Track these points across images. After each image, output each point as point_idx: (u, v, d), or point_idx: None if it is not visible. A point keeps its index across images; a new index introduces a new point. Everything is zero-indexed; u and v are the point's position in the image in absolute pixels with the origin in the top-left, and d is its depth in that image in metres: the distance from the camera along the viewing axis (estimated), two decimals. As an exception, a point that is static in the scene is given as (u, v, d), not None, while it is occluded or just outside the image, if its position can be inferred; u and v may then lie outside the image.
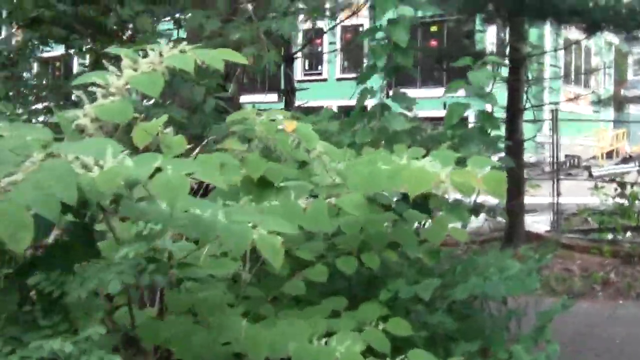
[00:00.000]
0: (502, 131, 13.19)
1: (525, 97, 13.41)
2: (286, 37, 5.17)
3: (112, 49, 2.45)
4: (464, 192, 2.68)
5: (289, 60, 14.02)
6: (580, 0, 11.04)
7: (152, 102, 5.15)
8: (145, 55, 2.43)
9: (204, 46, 2.72)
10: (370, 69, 5.75)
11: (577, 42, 15.21)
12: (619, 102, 19.07)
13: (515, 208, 12.80)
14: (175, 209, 2.01)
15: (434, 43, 27.80)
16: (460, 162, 2.98)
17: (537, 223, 14.56)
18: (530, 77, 14.05)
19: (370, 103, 5.66)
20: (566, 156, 31.46)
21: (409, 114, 5.98)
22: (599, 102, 15.57)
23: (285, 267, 3.60)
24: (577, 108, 29.14)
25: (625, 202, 13.21)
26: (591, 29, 11.51)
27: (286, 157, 3.24)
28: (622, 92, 37.16)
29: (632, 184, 13.46)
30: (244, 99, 16.15)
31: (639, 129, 39.55)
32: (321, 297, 3.64)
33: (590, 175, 24.57)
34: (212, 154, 2.80)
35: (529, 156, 13.63)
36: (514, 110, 12.92)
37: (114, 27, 6.21)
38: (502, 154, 6.76)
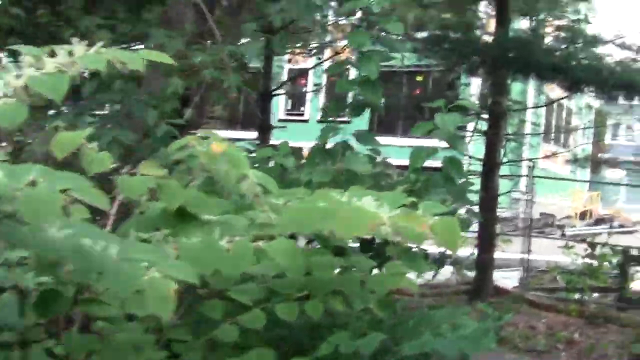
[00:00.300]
0: (477, 183, 13.17)
1: (503, 151, 13.29)
2: (249, 62, 4.87)
3: (17, 46, 2.18)
4: (410, 238, 2.41)
5: (267, 96, 13.81)
6: (563, 58, 10.96)
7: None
8: (53, 55, 2.18)
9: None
10: (335, 105, 5.53)
11: (559, 101, 15.11)
12: (595, 164, 19.07)
13: (485, 262, 12.65)
14: (44, 231, 1.74)
15: (417, 92, 27.75)
16: (413, 207, 2.74)
17: (506, 279, 14.36)
18: (509, 132, 13.93)
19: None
20: (541, 214, 31.46)
21: (378, 157, 5.76)
22: (575, 162, 15.48)
23: (219, 310, 3.34)
24: (554, 167, 29.20)
25: (594, 262, 13.04)
26: (572, 88, 11.41)
27: (229, 190, 2.97)
28: (600, 155, 37.32)
29: (602, 245, 13.30)
30: (225, 133, 15.89)
31: (613, 192, 39.83)
32: (262, 344, 3.36)
33: (563, 234, 24.56)
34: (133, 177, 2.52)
35: (502, 211, 13.41)
36: (491, 163, 12.78)
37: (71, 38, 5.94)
38: (475, 207, 6.49)
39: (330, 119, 5.53)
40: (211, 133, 2.79)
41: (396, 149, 21.73)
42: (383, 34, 5.24)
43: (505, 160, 13.37)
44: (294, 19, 12.35)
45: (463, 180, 5.20)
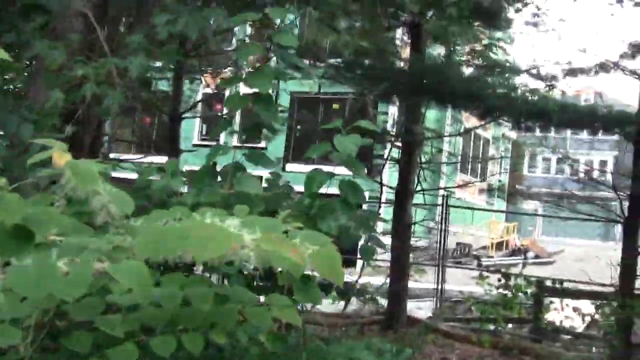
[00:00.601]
0: (390, 211, 12.99)
1: (416, 180, 13.14)
2: (133, 77, 4.47)
3: None
4: (282, 265, 2.09)
5: (176, 119, 13.37)
6: (477, 86, 10.83)
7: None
8: None
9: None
10: (224, 123, 5.18)
11: (474, 129, 15.04)
12: (511, 195, 19.12)
13: (397, 291, 12.44)
14: None
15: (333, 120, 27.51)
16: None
17: (420, 309, 14.17)
18: (423, 161, 13.79)
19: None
20: (457, 244, 31.59)
21: (280, 181, 5.45)
22: (490, 192, 15.43)
23: (87, 342, 2.98)
24: (470, 197, 29.35)
25: (508, 293, 12.93)
26: (486, 115, 11.29)
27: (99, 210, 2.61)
28: (516, 185, 37.78)
29: (517, 276, 13.20)
30: (136, 157, 15.46)
31: (530, 223, 40.28)
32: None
33: (480, 264, 24.58)
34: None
35: (416, 240, 13.22)
36: (404, 192, 12.62)
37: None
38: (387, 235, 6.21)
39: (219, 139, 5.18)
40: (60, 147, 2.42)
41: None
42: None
43: (418, 188, 13.19)
44: (203, 41, 12.06)
45: (364, 206, 4.92)
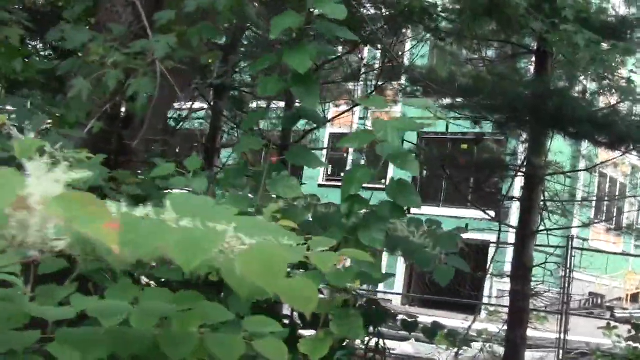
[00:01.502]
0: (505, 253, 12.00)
1: (540, 219, 12.10)
2: (159, 57, 3.75)
3: None
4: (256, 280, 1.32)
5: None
6: (606, 113, 9.80)
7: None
8: None
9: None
10: (258, 112, 4.42)
11: (603, 163, 13.77)
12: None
13: (515, 339, 11.39)
14: None
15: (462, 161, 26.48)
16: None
17: (540, 360, 13.04)
18: (549, 198, 12.73)
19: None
20: (590, 294, 29.79)
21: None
22: (621, 230, 14.12)
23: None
24: (605, 245, 27.61)
25: (639, 346, 11.64)
26: (615, 145, 10.18)
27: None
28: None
29: (649, 327, 11.88)
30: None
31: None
32: None
33: (613, 315, 22.90)
34: None
35: (536, 284, 12.12)
36: (524, 231, 11.60)
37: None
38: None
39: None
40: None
41: (436, 218, 20.55)
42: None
43: (541, 228, 12.14)
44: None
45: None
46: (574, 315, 13.37)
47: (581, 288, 27.90)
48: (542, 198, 12.24)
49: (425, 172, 26.75)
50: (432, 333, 5.52)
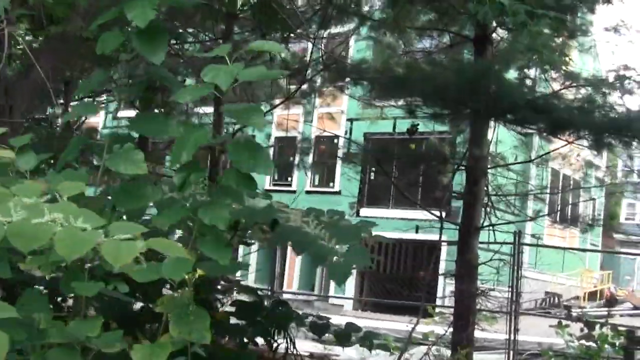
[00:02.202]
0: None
1: (483, 213, 11.48)
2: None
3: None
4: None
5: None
6: (545, 99, 9.19)
7: None
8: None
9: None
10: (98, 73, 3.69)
11: (549, 153, 13.11)
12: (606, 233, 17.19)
13: (461, 341, 10.75)
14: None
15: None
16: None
17: (490, 363, 12.41)
18: (492, 192, 12.11)
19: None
20: (546, 293, 29.38)
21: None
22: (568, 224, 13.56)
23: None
24: (561, 243, 27.19)
25: (592, 345, 11.05)
26: (554, 131, 9.58)
27: None
28: (613, 234, 35.45)
29: (602, 325, 11.29)
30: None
31: (626, 270, 37.60)
32: None
33: (570, 315, 22.37)
34: None
35: (482, 283, 11.47)
36: (468, 228, 11.00)
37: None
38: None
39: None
40: None
41: (385, 220, 19.83)
42: None
43: (486, 223, 11.51)
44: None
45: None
46: (526, 315, 12.74)
47: (537, 287, 27.49)
48: (486, 192, 11.65)
49: (372, 173, 26.09)
50: (344, 337, 4.82)
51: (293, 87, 15.88)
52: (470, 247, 11.07)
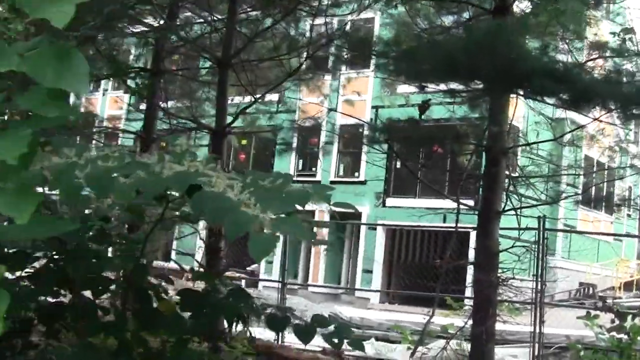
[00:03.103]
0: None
1: (505, 198, 10.65)
2: None
3: None
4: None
5: (220, 134, 11.26)
6: (566, 67, 8.35)
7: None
8: None
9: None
10: None
11: (576, 130, 12.15)
12: None
13: (481, 335, 9.94)
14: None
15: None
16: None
17: (514, 357, 11.56)
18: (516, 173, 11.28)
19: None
20: (580, 284, 28.34)
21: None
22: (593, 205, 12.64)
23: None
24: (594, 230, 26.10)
25: (624, 337, 10.20)
26: (577, 103, 8.70)
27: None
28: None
29: (634, 315, 10.42)
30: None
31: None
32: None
33: (602, 306, 21.39)
34: None
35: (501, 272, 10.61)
36: (487, 213, 10.18)
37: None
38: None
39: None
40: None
41: (412, 210, 18.96)
42: None
43: (507, 208, 10.68)
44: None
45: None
46: (552, 306, 11.86)
47: (570, 277, 26.52)
48: (508, 174, 10.83)
49: (398, 162, 25.23)
50: (306, 333, 4.05)
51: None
52: (489, 232, 10.27)
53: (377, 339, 15.65)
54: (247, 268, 29.03)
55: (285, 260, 14.27)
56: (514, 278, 10.22)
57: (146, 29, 13.57)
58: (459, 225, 11.70)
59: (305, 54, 11.70)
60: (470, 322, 10.39)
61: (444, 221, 20.65)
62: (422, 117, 10.01)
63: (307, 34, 12.63)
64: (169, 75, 14.79)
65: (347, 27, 12.10)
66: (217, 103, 11.68)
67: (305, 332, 4.00)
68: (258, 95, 12.52)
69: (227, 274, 22.35)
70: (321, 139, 25.18)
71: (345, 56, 12.42)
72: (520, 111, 11.45)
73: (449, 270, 13.72)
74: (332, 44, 11.63)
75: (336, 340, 4.08)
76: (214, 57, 12.04)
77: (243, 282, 27.56)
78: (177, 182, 3.19)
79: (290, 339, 12.20)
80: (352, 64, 18.89)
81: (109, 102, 31.27)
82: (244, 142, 30.67)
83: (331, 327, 4.03)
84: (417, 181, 26.11)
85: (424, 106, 9.78)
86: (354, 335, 4.22)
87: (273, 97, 16.63)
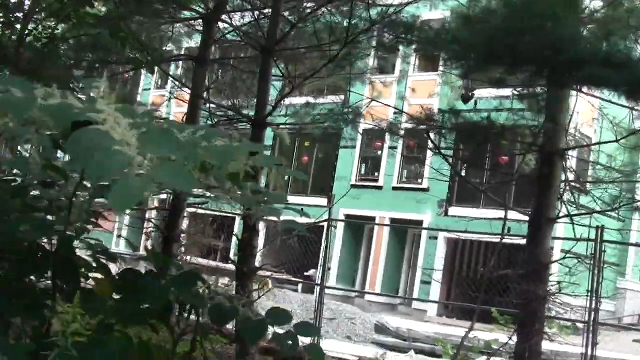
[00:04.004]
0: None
1: (559, 203, 9.71)
2: None
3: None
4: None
5: (260, 125, 10.59)
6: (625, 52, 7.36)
7: None
8: None
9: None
10: None
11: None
12: None
13: (524, 353, 9.02)
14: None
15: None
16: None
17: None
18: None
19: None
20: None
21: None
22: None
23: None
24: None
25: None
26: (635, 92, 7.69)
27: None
28: None
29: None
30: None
31: None
32: None
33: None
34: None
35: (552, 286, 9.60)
36: (538, 219, 9.29)
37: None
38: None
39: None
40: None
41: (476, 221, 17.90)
42: None
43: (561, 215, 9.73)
44: None
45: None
46: (606, 327, 10.79)
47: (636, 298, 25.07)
48: (564, 178, 9.85)
49: (463, 170, 24.16)
50: (255, 332, 3.26)
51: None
52: (539, 242, 9.41)
53: (424, 352, 14.82)
54: (305, 273, 28.39)
55: (325, 261, 13.47)
56: (560, 292, 9.23)
57: (195, 15, 13.06)
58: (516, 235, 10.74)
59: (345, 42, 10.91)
60: (515, 338, 9.48)
61: (508, 233, 19.58)
62: (466, 105, 9.17)
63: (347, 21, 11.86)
64: (218, 64, 14.42)
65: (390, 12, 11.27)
66: (259, 92, 11.07)
67: (253, 331, 3.25)
68: (297, 83, 11.85)
69: (277, 276, 21.72)
70: (385, 144, 24.43)
71: (387, 42, 11.62)
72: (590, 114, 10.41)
73: (486, 280, 12.74)
74: (373, 30, 10.85)
75: (290, 343, 3.29)
76: (258, 44, 11.50)
77: (300, 287, 26.92)
78: (58, 113, 2.38)
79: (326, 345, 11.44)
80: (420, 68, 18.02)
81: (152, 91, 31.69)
82: (307, 144, 30.12)
83: (289, 326, 3.26)
84: (479, 191, 25.08)
85: (468, 97, 8.97)
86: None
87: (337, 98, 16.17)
